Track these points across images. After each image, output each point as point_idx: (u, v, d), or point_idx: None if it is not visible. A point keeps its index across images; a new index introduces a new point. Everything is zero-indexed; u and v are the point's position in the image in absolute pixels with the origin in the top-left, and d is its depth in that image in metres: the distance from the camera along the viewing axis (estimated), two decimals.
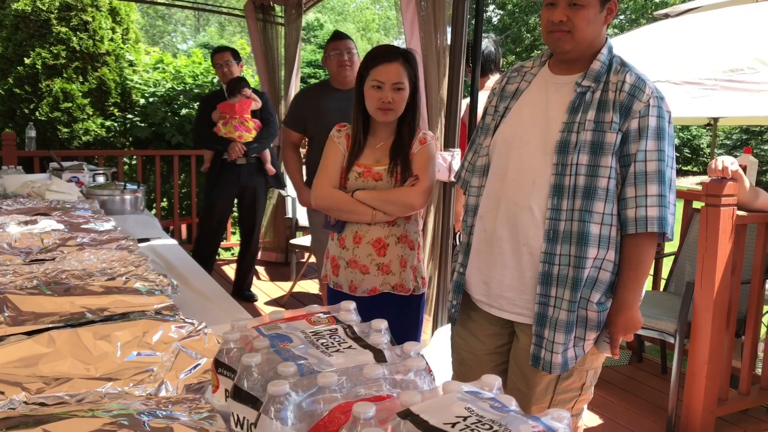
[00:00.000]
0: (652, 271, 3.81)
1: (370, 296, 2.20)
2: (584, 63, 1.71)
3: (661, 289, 3.65)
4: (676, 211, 1.70)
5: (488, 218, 1.80)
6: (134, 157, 5.62)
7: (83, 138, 5.69)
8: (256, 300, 4.55)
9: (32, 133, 5.29)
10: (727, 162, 2.56)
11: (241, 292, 4.47)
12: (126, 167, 5.88)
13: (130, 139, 5.90)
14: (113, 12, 5.87)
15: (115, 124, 5.86)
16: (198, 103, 4.77)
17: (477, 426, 0.70)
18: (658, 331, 2.92)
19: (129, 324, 1.24)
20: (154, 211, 5.63)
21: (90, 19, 5.67)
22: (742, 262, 2.76)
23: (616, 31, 18.99)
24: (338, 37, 3.33)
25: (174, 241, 2.67)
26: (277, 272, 5.27)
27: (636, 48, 3.99)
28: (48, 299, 1.42)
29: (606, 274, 1.67)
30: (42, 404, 1.01)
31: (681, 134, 17.28)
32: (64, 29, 5.58)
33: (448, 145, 3.08)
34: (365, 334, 1.01)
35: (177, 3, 6.09)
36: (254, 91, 4.29)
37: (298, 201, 3.52)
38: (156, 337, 1.21)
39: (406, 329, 2.27)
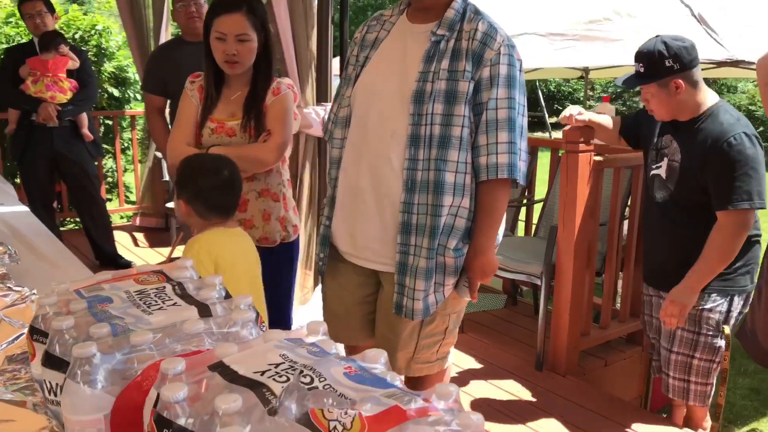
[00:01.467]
0: (523, 217, 3.99)
1: None
2: (439, 11, 1.71)
3: (533, 234, 3.84)
4: (528, 157, 1.77)
5: (351, 170, 1.79)
6: None
7: None
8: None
9: None
10: (573, 111, 2.69)
11: (116, 261, 4.25)
12: None
13: None
14: None
15: None
16: (3, 55, 4.30)
17: (287, 372, 0.69)
18: (526, 274, 3.07)
19: None
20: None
21: None
22: (599, 205, 2.94)
23: None
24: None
25: (25, 208, 2.48)
26: (158, 238, 5.06)
27: (504, 1, 4.08)
28: None
29: (462, 221, 1.71)
30: None
31: (562, 87, 18.07)
32: None
33: (320, 99, 3.04)
34: (197, 290, 0.97)
35: None
36: (72, 48, 3.96)
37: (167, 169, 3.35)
38: None
39: (282, 279, 2.26)
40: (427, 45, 1.69)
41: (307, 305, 3.12)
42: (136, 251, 4.77)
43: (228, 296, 0.99)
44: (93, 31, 5.77)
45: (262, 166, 2.09)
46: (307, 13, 2.91)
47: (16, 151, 4.01)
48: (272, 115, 2.09)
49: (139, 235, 5.12)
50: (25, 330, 1.09)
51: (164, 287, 0.97)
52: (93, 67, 4.45)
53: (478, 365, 3.09)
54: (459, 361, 3.07)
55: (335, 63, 3.05)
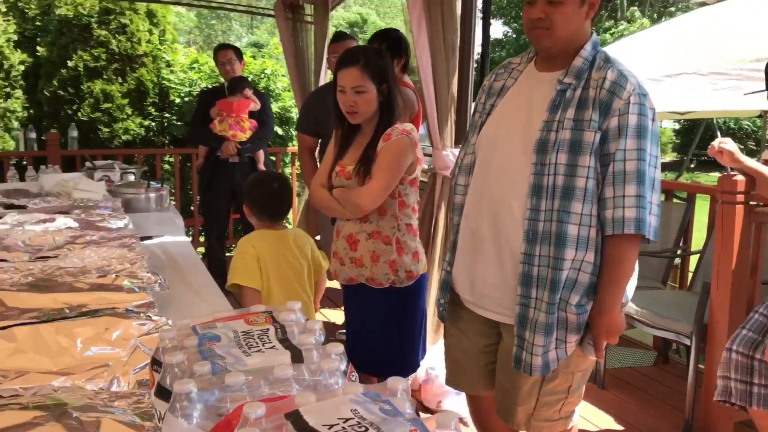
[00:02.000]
0: (679, 269, 3.71)
1: (349, 284, 2.33)
2: (567, 59, 1.68)
3: (688, 288, 3.54)
4: (660, 211, 1.66)
5: (472, 217, 1.80)
6: (172, 154, 5.79)
7: (123, 137, 5.91)
8: None
9: (74, 133, 5.52)
10: (725, 144, 2.44)
11: None
12: (166, 165, 6.07)
13: (168, 137, 6.08)
14: (150, 14, 6.06)
15: (153, 123, 6.06)
16: (198, 97, 4.83)
17: (353, 428, 0.71)
18: (674, 332, 2.84)
19: (92, 321, 1.30)
20: (192, 207, 5.80)
21: (128, 22, 5.88)
22: (762, 261, 2.66)
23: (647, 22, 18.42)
24: (336, 39, 3.41)
25: (186, 239, 2.75)
26: None
27: (666, 40, 3.88)
28: (32, 296, 1.49)
29: (585, 275, 1.64)
30: None
31: (745, 124, 16.56)
32: (104, 32, 5.80)
33: (458, 142, 3.07)
34: (295, 335, 1.03)
35: (211, 4, 6.23)
36: (255, 92, 4.35)
37: None
38: (116, 334, 1.26)
39: (393, 321, 2.33)
40: (553, 94, 1.66)
41: (436, 347, 3.12)
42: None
43: (325, 342, 1.03)
44: (263, 75, 6.31)
45: (358, 209, 2.19)
46: (449, 59, 2.97)
47: (201, 183, 4.50)
48: (378, 160, 2.18)
49: None
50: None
51: (268, 329, 1.04)
52: None
53: (617, 426, 2.89)
54: (597, 419, 2.89)
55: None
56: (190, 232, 5.43)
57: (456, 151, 3.02)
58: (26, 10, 6.07)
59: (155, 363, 1.03)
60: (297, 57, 5.39)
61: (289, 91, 6.35)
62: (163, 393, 0.93)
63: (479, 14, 2.99)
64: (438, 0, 2.94)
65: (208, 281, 2.04)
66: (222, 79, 4.44)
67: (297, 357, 0.95)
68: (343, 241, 2.30)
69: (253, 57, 7.09)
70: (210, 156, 4.37)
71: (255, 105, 4.31)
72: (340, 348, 0.98)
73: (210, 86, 5.75)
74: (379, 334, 2.17)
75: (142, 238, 2.33)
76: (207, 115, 4.32)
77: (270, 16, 5.74)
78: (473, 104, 2.00)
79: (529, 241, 1.65)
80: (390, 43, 3.13)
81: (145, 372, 1.18)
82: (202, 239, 5.98)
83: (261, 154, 4.39)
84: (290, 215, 6.52)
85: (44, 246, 2.12)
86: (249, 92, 4.28)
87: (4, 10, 5.73)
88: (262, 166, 4.39)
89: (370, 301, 2.30)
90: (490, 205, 1.74)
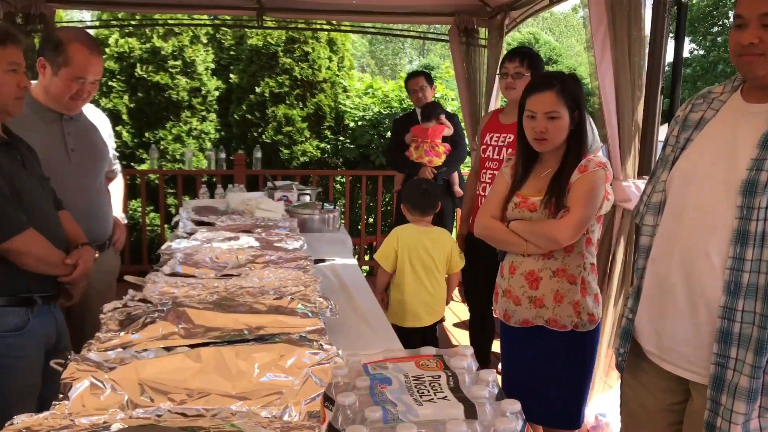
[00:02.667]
0: None
1: (522, 327, 2.16)
2: None
3: None
4: None
5: (661, 262, 1.63)
6: (344, 176, 6.05)
7: (300, 159, 6.27)
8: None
9: (258, 154, 5.95)
10: None
11: None
12: (338, 186, 6.35)
13: (341, 159, 6.36)
14: (331, 42, 6.41)
15: (328, 146, 6.37)
16: (392, 125, 5.00)
17: None
18: None
19: (269, 346, 1.34)
20: (359, 227, 6.00)
21: (310, 50, 6.26)
22: None
23: None
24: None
25: (354, 262, 2.81)
26: None
27: None
28: (217, 315, 1.58)
29: None
30: (182, 415, 1.13)
31: None
32: (288, 60, 6.22)
33: (642, 172, 2.86)
34: (467, 385, 0.97)
35: (390, 31, 6.44)
36: (447, 115, 4.37)
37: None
38: (290, 362, 1.29)
39: (569, 368, 2.15)
40: (765, 128, 1.46)
41: (608, 393, 2.89)
42: (453, 305, 5.02)
43: (500, 397, 0.97)
44: (433, 98, 6.39)
45: (554, 244, 2.05)
46: (634, 83, 2.78)
47: (399, 209, 4.63)
48: (574, 192, 2.04)
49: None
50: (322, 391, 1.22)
51: (440, 376, 0.99)
52: None
53: None
54: None
55: (662, 132, 2.85)
56: (357, 250, 5.61)
57: (639, 183, 2.81)
58: (223, 41, 6.68)
59: (327, 399, 1.03)
60: (468, 81, 5.37)
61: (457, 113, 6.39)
62: None
63: (671, 33, 2.76)
64: (624, 18, 2.76)
65: (375, 309, 2.06)
66: (388, 103, 4.55)
67: (470, 412, 0.90)
68: (520, 279, 2.15)
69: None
70: (406, 182, 4.47)
71: (449, 130, 4.35)
72: (516, 406, 0.91)
73: (402, 113, 5.97)
74: (553, 382, 2.03)
75: (316, 261, 2.42)
76: (402, 141, 4.42)
77: (444, 41, 5.80)
78: (663, 136, 1.82)
79: (731, 294, 1.46)
80: (530, 60, 3.00)
81: (315, 404, 1.19)
82: (367, 258, 6.18)
83: (455, 176, 4.41)
84: None
85: (228, 263, 2.27)
86: (443, 117, 4.34)
87: (204, 41, 6.35)
88: (457, 188, 4.41)
89: (547, 345, 2.15)
90: (682, 251, 1.57)
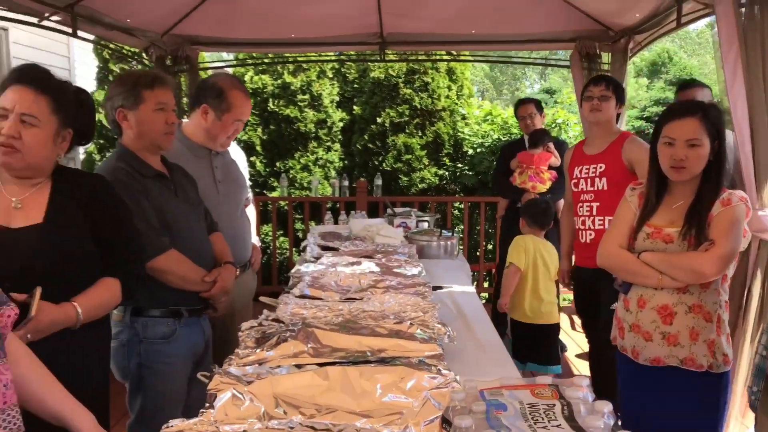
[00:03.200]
0: None
1: (653, 366, 2.06)
2: None
3: None
4: None
5: None
6: (462, 202, 6.11)
7: (419, 185, 6.41)
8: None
9: (379, 181, 6.15)
10: None
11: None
12: (456, 212, 6.41)
13: (459, 186, 6.43)
14: (450, 72, 6.53)
15: (447, 173, 6.46)
16: (500, 151, 5.03)
17: None
18: None
19: (390, 369, 1.42)
20: (478, 253, 6.01)
21: (430, 80, 6.41)
22: None
23: None
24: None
25: (472, 289, 2.85)
26: None
27: None
28: (343, 336, 1.69)
29: None
30: (312, 428, 1.24)
31: None
32: (408, 91, 6.41)
33: None
34: (582, 415, 1.00)
35: (501, 59, 6.47)
36: (555, 143, 4.33)
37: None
38: (410, 384, 1.36)
39: (702, 411, 2.04)
40: None
41: None
42: (572, 334, 4.90)
43: (616, 428, 0.98)
44: (554, 124, 6.31)
45: (698, 278, 1.96)
46: None
47: (502, 234, 4.65)
48: (718, 225, 1.95)
49: (577, 319, 5.26)
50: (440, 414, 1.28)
51: (554, 405, 1.03)
52: None
53: None
54: None
55: None
56: (475, 277, 5.61)
57: None
58: (347, 75, 7.00)
59: (445, 422, 1.09)
60: None
61: (581, 137, 6.27)
62: None
63: None
64: (757, 40, 2.63)
65: (494, 338, 2.08)
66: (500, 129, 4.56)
67: None
68: (651, 313, 2.06)
69: (545, 103, 7.16)
70: (510, 207, 4.48)
71: (555, 160, 4.32)
72: None
73: (510, 140, 5.98)
74: (684, 424, 1.93)
75: (434, 288, 2.48)
76: (508, 167, 4.44)
77: (565, 66, 5.74)
78: None
79: None
80: (615, 85, 3.07)
81: (433, 426, 1.25)
82: (486, 284, 6.16)
83: (560, 204, 4.36)
84: None
85: (352, 287, 2.39)
86: (551, 146, 4.32)
87: (330, 75, 6.69)
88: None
89: (680, 386, 2.04)
90: None
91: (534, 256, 3.48)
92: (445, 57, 6.27)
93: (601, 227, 2.88)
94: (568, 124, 6.32)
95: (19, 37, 5.38)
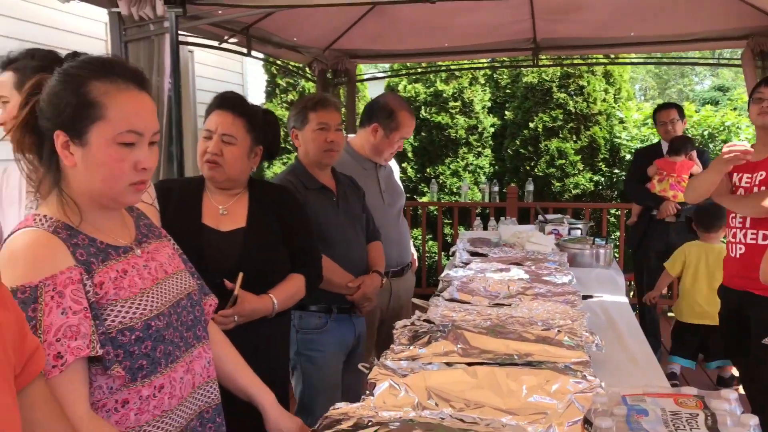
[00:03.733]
0: None
1: None
2: None
3: None
4: None
5: None
6: (618, 209, 5.90)
7: (572, 191, 6.27)
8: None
9: (530, 187, 6.11)
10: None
11: None
12: (611, 218, 6.19)
13: (615, 192, 6.20)
14: (607, 75, 6.32)
15: (602, 179, 6.26)
16: (633, 156, 4.82)
17: None
18: None
19: (536, 371, 1.49)
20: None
21: (585, 84, 6.25)
22: None
23: None
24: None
25: (624, 299, 2.80)
26: None
27: None
28: (490, 339, 1.78)
29: None
30: (461, 420, 1.34)
31: None
32: (562, 95, 6.30)
33: None
34: (728, 425, 1.01)
35: (663, 60, 6.13)
36: (697, 151, 4.12)
37: None
38: (555, 387, 1.42)
39: None
40: None
41: None
42: None
43: None
44: (722, 127, 5.90)
45: None
46: None
47: (632, 241, 4.50)
48: None
49: None
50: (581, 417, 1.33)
51: (697, 415, 1.05)
52: None
53: None
54: None
55: None
56: (632, 287, 5.40)
57: None
58: (499, 80, 7.02)
59: (587, 422, 1.15)
60: None
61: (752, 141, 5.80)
62: None
63: None
64: None
65: (645, 350, 2.06)
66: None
67: None
68: None
69: (712, 103, 6.71)
70: (644, 214, 4.32)
71: (697, 168, 4.10)
72: None
73: (644, 145, 5.71)
74: None
75: (584, 297, 2.48)
76: (643, 173, 4.29)
77: (735, 65, 5.36)
78: None
79: None
80: None
81: (576, 427, 1.30)
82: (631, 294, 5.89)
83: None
84: None
85: (500, 293, 2.46)
86: (694, 154, 4.12)
87: (482, 81, 6.75)
88: None
89: None
90: None
91: (696, 264, 3.79)
92: (602, 60, 6.09)
93: (753, 242, 2.67)
94: (739, 128, 5.87)
95: (202, 58, 6.03)
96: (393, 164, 3.39)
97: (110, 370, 1.11)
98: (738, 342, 2.81)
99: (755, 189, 2.74)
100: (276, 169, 6.41)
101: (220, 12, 3.32)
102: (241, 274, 1.84)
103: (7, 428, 0.82)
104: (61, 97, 1.11)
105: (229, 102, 1.96)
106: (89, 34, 4.64)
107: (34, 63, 1.54)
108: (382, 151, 2.88)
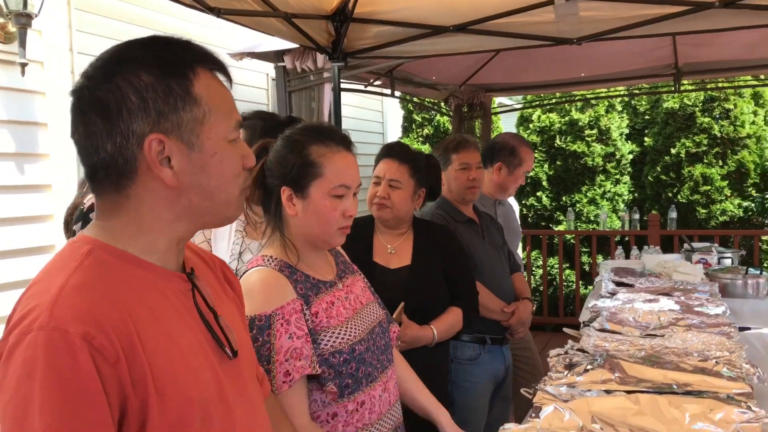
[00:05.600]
0: None
1: None
2: None
3: None
4: None
5: None
6: None
7: (720, 218, 6.00)
8: None
9: (673, 214, 5.92)
10: None
11: None
12: (765, 246, 5.85)
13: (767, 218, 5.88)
14: (756, 96, 6.03)
15: (753, 204, 5.94)
16: None
17: None
18: None
19: (698, 400, 1.55)
20: None
21: (732, 107, 6.00)
22: None
23: None
24: None
25: None
26: None
27: None
28: (647, 369, 1.84)
29: None
30: None
31: None
32: (706, 119, 6.08)
33: None
34: None
35: None
36: None
37: None
38: (719, 416, 1.48)
39: None
40: None
41: None
42: None
43: None
44: None
45: None
46: None
47: None
48: None
49: None
50: None
51: None
52: None
53: None
54: None
55: None
56: None
57: None
58: (638, 107, 6.88)
59: None
60: None
61: None
62: None
63: None
64: None
65: None
66: None
67: None
68: None
69: None
70: None
71: None
72: None
73: None
74: None
75: (741, 328, 2.45)
76: None
77: None
78: None
79: None
80: None
81: None
82: None
83: None
84: None
85: (651, 324, 2.49)
86: None
87: (619, 109, 6.66)
88: None
89: None
90: None
91: None
92: (751, 82, 5.83)
93: None
94: None
95: (347, 99, 6.46)
96: (513, 203, 3.56)
97: (325, 387, 1.34)
98: None
99: None
100: None
101: (375, 61, 3.63)
102: (402, 303, 2.04)
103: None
104: (287, 158, 1.37)
105: (394, 150, 2.20)
106: (255, 85, 5.17)
107: (261, 123, 1.84)
108: (507, 188, 3.10)
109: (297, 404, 1.30)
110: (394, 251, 2.18)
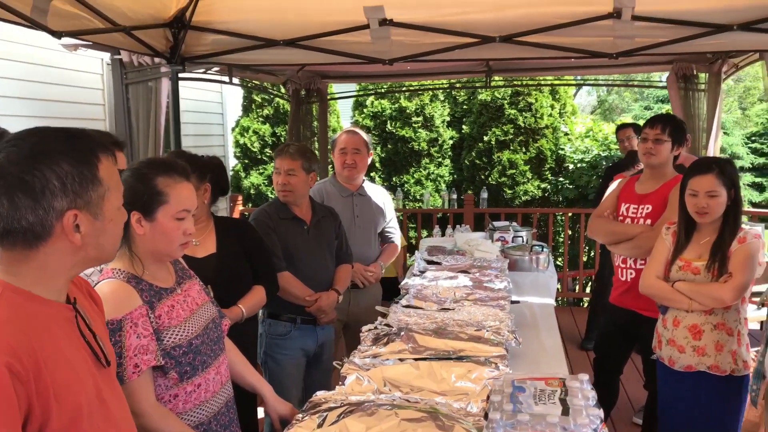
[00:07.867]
0: None
1: (686, 372, 2.53)
2: None
3: None
4: None
5: None
6: (562, 213, 6.53)
7: (522, 198, 6.91)
8: None
9: (485, 194, 6.71)
10: None
11: None
12: (560, 218, 6.83)
13: (560, 198, 6.86)
14: (553, 92, 6.97)
15: (549, 186, 6.91)
16: (605, 171, 5.41)
17: None
18: None
19: (462, 364, 2.05)
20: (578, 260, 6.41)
21: (534, 101, 6.89)
22: None
23: None
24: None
25: (551, 302, 3.38)
26: None
27: None
28: (433, 339, 2.31)
29: None
30: (407, 400, 1.89)
31: None
32: (513, 111, 6.92)
33: None
34: (572, 396, 1.59)
35: (599, 82, 6.77)
36: None
37: None
38: (475, 375, 1.98)
39: (726, 410, 2.50)
40: None
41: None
42: None
43: (597, 407, 1.56)
44: None
45: (719, 304, 2.42)
46: None
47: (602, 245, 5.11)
48: (736, 259, 2.41)
49: None
50: None
51: (556, 391, 1.62)
52: None
53: None
54: None
55: None
56: (576, 282, 6.03)
57: None
58: (457, 97, 7.61)
59: (488, 398, 1.71)
60: (688, 125, 5.53)
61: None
62: (486, 418, 1.60)
63: None
64: None
65: (555, 343, 2.64)
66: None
67: (565, 411, 1.51)
68: (684, 331, 2.52)
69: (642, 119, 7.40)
70: None
71: None
72: (600, 413, 1.50)
73: (615, 160, 6.34)
74: (711, 421, 2.42)
75: (513, 302, 3.04)
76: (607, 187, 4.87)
77: (661, 87, 6.01)
78: None
79: None
80: (672, 127, 3.01)
81: (485, 402, 1.86)
82: (588, 290, 6.53)
83: None
84: None
85: (447, 299, 2.99)
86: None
87: (442, 98, 7.32)
88: None
89: (709, 387, 2.49)
90: None
91: None
92: (547, 80, 6.71)
93: (642, 267, 2.93)
94: None
95: (186, 82, 6.47)
96: (380, 191, 3.89)
97: (167, 374, 1.64)
98: (613, 356, 3.30)
99: (641, 221, 3.08)
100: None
101: (211, 63, 3.81)
102: (209, 287, 2.32)
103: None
104: (136, 187, 1.62)
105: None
106: (89, 70, 5.05)
107: None
108: (340, 172, 3.49)
109: (144, 389, 1.59)
110: (198, 243, 2.46)
